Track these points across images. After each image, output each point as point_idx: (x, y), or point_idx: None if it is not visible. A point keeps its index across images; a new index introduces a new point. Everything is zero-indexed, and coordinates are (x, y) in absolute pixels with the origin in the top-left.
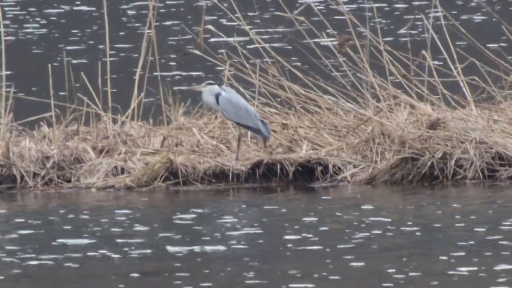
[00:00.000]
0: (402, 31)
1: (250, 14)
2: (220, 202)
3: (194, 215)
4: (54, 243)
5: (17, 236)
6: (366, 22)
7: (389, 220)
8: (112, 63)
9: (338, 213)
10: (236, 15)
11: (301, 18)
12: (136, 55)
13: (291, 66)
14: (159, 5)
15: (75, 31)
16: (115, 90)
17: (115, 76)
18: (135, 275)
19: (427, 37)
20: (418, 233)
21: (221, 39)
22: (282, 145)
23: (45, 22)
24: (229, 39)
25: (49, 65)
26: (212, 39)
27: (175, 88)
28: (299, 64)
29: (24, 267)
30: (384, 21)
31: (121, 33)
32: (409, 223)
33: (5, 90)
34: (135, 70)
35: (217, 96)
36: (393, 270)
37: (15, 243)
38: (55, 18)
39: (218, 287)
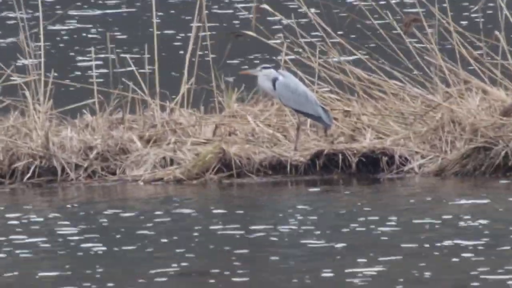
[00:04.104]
0: (473, 9)
1: None
2: (277, 196)
3: (249, 210)
4: (100, 244)
5: (59, 233)
6: (434, 0)
7: (460, 215)
8: (160, 45)
9: (404, 208)
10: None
11: None
12: (185, 37)
13: (353, 48)
14: None
15: (120, 10)
16: (163, 75)
17: (163, 59)
18: (192, 274)
19: (500, 16)
20: (489, 232)
21: (276, 18)
22: (344, 134)
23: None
24: (288, 20)
25: (92, 48)
26: (268, 18)
27: (227, 73)
28: (362, 46)
29: (65, 263)
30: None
31: (170, 13)
32: (481, 219)
33: (44, 76)
34: (184, 53)
35: (273, 81)
36: (464, 272)
37: (57, 240)
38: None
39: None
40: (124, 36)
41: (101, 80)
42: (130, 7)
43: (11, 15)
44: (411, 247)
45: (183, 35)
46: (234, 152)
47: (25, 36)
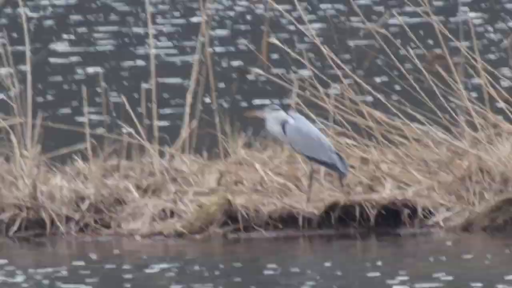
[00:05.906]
0: (503, 44)
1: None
2: (289, 252)
3: (257, 268)
4: None
5: None
6: (460, 35)
7: (489, 275)
8: (159, 85)
9: (428, 267)
10: (305, 26)
11: (383, 31)
12: (186, 73)
13: (372, 88)
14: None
15: (112, 48)
16: (163, 117)
17: (162, 100)
18: None
19: None
20: None
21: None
22: (361, 184)
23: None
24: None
25: (84, 88)
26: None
27: (234, 115)
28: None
29: None
30: (486, 34)
31: (170, 50)
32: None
33: (31, 117)
34: (185, 93)
35: (283, 125)
36: None
37: None
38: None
39: None
40: (120, 72)
41: (95, 122)
42: (120, 36)
43: None
44: None
45: (183, 71)
46: (240, 204)
47: (10, 73)
